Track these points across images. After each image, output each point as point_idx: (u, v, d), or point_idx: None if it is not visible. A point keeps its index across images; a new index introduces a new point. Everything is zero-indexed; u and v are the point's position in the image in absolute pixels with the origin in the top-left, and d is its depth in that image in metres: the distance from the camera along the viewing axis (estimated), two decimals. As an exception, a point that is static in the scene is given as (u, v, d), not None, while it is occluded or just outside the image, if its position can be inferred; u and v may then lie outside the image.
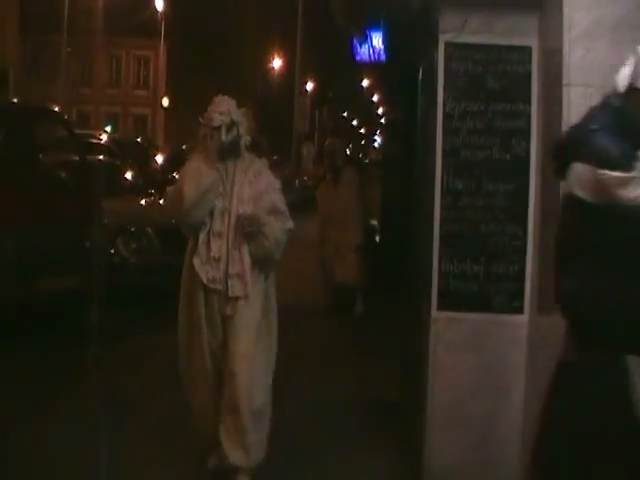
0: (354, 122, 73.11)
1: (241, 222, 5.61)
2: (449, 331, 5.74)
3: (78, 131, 23.19)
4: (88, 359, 8.40)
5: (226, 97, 5.78)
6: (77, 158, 11.62)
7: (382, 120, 40.63)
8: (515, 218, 5.79)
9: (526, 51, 5.80)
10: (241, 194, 5.71)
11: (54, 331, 9.67)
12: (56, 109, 12.72)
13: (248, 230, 5.59)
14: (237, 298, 5.63)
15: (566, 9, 5.04)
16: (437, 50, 5.91)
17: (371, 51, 14.80)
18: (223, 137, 5.58)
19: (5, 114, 11.14)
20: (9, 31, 32.97)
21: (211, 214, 5.65)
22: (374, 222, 14.14)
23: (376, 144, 56.28)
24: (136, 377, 8.10)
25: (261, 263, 5.75)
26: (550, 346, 5.02)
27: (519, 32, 5.80)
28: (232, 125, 5.61)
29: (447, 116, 5.82)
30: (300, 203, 29.90)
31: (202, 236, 5.65)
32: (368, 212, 12.91)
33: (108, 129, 51.38)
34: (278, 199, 5.85)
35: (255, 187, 5.76)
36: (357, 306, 12.10)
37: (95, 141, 18.25)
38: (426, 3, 6.54)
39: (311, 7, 40.19)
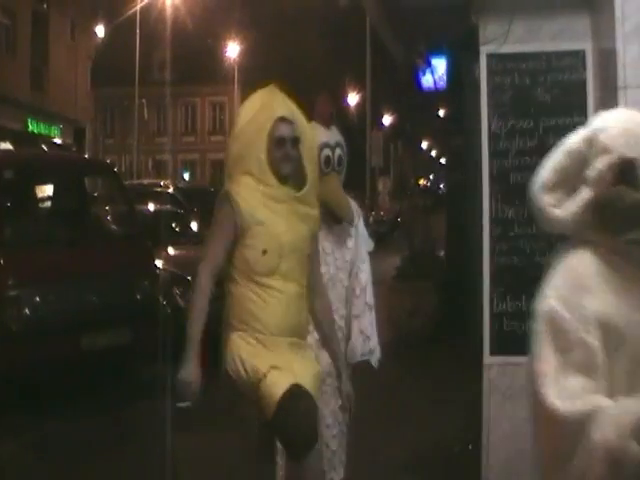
0: (433, 153, 72.50)
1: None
2: (505, 378, 5.06)
3: (145, 181, 23.53)
4: (149, 416, 7.81)
5: None
6: (127, 209, 11.25)
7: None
8: (573, 247, 5.09)
9: (579, 56, 5.15)
10: None
11: (107, 389, 9.24)
12: (107, 161, 12.37)
13: None
14: None
15: (618, 1, 4.35)
16: (479, 64, 5.28)
17: (435, 78, 14.33)
18: None
19: (56, 167, 11.08)
20: (82, 86, 33.24)
21: None
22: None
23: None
24: (197, 432, 7.62)
25: None
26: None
27: (569, 35, 5.15)
28: None
29: (493, 136, 5.21)
30: (376, 238, 29.54)
31: None
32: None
33: (186, 176, 51.84)
34: None
35: None
36: None
37: (160, 190, 17.98)
38: (467, 15, 5.93)
39: (377, 40, 39.95)
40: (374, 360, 4.97)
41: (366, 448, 6.85)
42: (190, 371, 4.14)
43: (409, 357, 10.48)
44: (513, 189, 5.10)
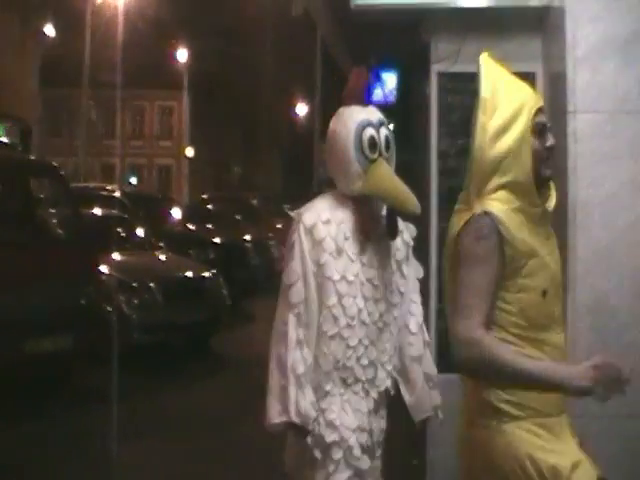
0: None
1: None
2: (449, 394, 5.01)
3: (91, 184, 23.25)
4: (88, 422, 7.92)
5: None
6: (72, 212, 11.11)
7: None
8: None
9: (529, 78, 5.15)
10: None
11: (50, 394, 9.16)
12: (54, 163, 12.17)
13: None
14: None
15: (569, 25, 4.40)
16: (429, 82, 5.30)
17: (384, 92, 14.32)
18: None
19: (0, 167, 10.51)
20: (28, 86, 32.80)
21: None
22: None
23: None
24: (139, 439, 7.59)
25: None
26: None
27: (520, 57, 5.16)
28: None
29: (442, 155, 5.21)
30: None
31: None
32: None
33: (133, 180, 51.48)
34: None
35: None
36: None
37: (106, 194, 17.81)
38: (418, 33, 5.95)
39: (327, 53, 40.02)
40: (442, 414, 3.75)
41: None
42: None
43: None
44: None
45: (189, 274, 12.40)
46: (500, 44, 5.19)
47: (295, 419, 3.30)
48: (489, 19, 5.20)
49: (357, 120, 3.50)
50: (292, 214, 3.50)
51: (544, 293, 2.95)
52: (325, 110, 48.34)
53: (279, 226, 24.78)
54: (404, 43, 6.59)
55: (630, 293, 4.34)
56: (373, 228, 3.49)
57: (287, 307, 3.37)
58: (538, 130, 3.05)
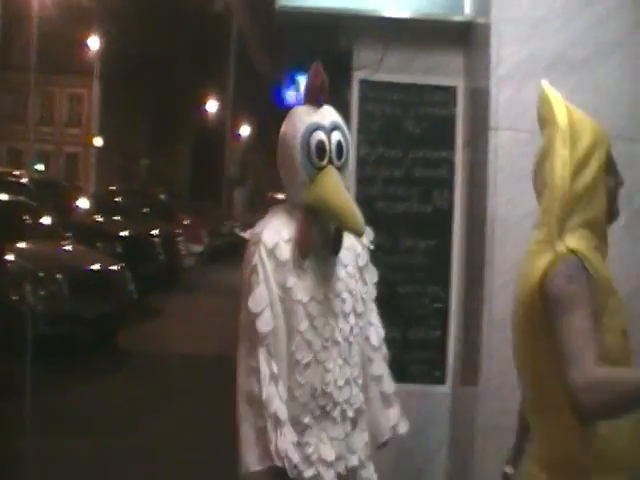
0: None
1: None
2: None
3: None
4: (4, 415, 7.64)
5: None
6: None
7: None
8: (436, 278, 5.21)
9: (450, 92, 5.23)
10: None
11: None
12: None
13: None
14: None
15: (494, 43, 4.45)
16: (351, 89, 5.30)
17: (298, 95, 14.39)
18: None
19: None
20: None
21: None
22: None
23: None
24: (41, 434, 7.31)
25: None
26: (473, 419, 4.59)
27: (442, 71, 5.23)
28: None
29: (361, 162, 5.20)
30: (229, 248, 29.38)
31: None
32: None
33: (40, 167, 50.53)
34: None
35: None
36: None
37: (13, 180, 17.44)
38: (341, 39, 5.96)
39: (244, 52, 39.94)
40: (404, 429, 3.53)
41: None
42: None
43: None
44: (379, 217, 5.08)
45: (96, 267, 12.22)
46: (422, 56, 5.25)
47: (278, 463, 2.95)
48: (412, 30, 5.22)
49: (306, 122, 3.18)
50: (246, 235, 3.19)
51: (624, 333, 2.77)
52: (235, 107, 48.21)
53: (186, 222, 24.70)
54: (327, 48, 6.59)
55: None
56: (328, 239, 3.23)
57: (254, 339, 3.04)
58: (611, 165, 2.89)
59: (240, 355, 3.10)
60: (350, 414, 3.21)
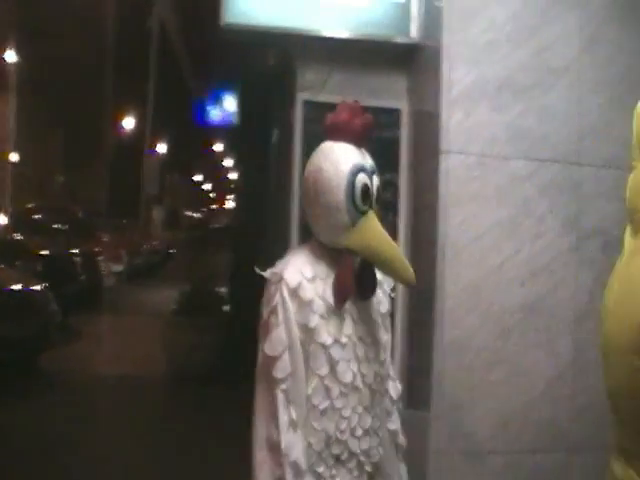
0: (205, 187, 72.50)
1: None
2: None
3: None
4: None
5: None
6: None
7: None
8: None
9: (394, 114, 5.20)
10: None
11: None
12: None
13: None
14: None
15: (445, 66, 4.45)
16: (293, 109, 5.25)
17: (222, 114, 14.34)
18: None
19: None
20: None
21: None
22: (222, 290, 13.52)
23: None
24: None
25: None
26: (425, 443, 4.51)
27: (386, 93, 5.20)
28: None
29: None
30: (148, 268, 29.06)
31: None
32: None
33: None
34: None
35: None
36: None
37: None
38: (284, 59, 5.91)
39: (166, 67, 39.65)
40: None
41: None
42: None
43: (192, 401, 10.29)
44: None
45: (17, 287, 11.95)
46: (366, 77, 5.21)
47: None
48: (356, 51, 5.18)
49: (351, 162, 3.00)
50: (266, 274, 2.98)
51: None
52: (156, 124, 47.86)
53: (105, 240, 24.39)
54: (270, 67, 6.56)
55: (495, 333, 4.40)
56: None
57: (272, 382, 2.86)
58: None
59: (257, 399, 2.91)
60: (367, 468, 3.03)
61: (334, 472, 2.94)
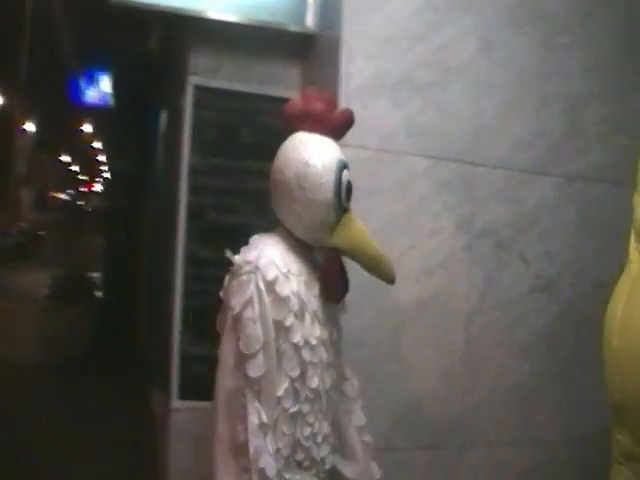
0: (73, 168, 70.95)
1: None
2: (195, 424, 4.64)
3: None
4: None
5: None
6: None
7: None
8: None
9: (287, 104, 5.10)
10: None
11: None
12: None
13: None
14: None
15: (344, 57, 4.36)
16: (184, 94, 5.10)
17: (97, 94, 14.03)
18: None
19: None
20: None
21: None
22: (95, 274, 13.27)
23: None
24: None
25: None
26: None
27: (279, 82, 5.11)
28: None
29: (193, 171, 5.00)
30: (17, 250, 28.33)
31: None
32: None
33: None
34: None
35: None
36: None
37: None
38: (173, 41, 5.75)
39: (39, 42, 38.60)
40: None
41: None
42: None
43: (68, 387, 9.99)
44: (210, 228, 4.92)
45: None
46: (260, 65, 5.11)
47: None
48: (250, 38, 5.07)
49: (336, 158, 2.97)
50: (234, 259, 2.86)
51: None
52: (27, 102, 46.51)
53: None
54: (160, 48, 6.39)
55: (390, 328, 4.36)
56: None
57: (243, 382, 2.68)
58: None
59: (222, 396, 2.71)
60: (322, 475, 2.92)
61: (298, 478, 2.81)
